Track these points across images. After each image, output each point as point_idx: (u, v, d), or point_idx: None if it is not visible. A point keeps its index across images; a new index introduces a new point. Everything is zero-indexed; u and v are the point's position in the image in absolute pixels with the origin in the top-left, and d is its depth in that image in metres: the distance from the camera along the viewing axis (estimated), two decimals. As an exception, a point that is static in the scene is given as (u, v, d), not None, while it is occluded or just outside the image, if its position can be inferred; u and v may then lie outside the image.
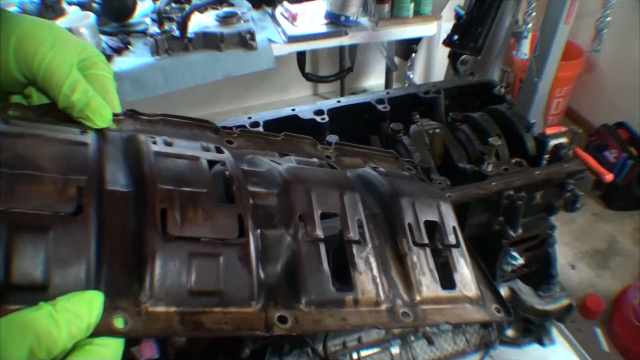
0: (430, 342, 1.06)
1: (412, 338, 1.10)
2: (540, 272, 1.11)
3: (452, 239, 0.76)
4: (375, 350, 1.07)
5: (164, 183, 0.56)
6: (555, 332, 1.18)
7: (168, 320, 0.51)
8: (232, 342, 0.95)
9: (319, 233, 0.64)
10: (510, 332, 1.16)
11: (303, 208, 0.64)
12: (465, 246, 0.78)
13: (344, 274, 0.66)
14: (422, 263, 0.71)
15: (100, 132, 0.63)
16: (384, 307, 0.66)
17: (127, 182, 0.57)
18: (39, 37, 0.61)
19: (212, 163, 0.64)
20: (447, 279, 0.73)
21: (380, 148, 0.92)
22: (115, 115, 0.66)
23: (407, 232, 0.72)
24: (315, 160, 0.79)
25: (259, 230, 0.61)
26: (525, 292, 1.12)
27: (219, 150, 0.68)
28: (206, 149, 0.66)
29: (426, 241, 0.72)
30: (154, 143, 0.62)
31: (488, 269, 1.05)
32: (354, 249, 0.66)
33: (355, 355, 1.05)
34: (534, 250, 1.06)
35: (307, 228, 0.63)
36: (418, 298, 0.69)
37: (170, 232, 0.53)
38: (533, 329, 1.15)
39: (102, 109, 0.63)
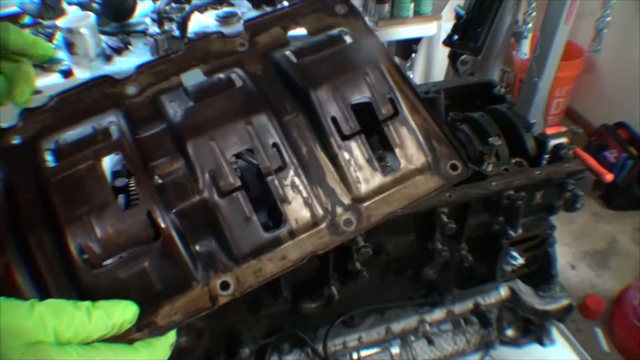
0: (430, 342, 1.07)
1: (412, 338, 1.10)
2: (540, 272, 1.11)
3: (386, 111, 0.67)
4: (375, 350, 1.07)
5: (69, 214, 0.56)
6: (555, 332, 1.18)
7: (126, 334, 0.54)
8: (232, 342, 0.95)
9: (233, 181, 0.61)
10: (510, 332, 1.16)
11: (209, 163, 0.61)
12: (406, 103, 0.68)
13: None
14: (356, 156, 0.65)
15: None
16: (323, 224, 0.63)
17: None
18: None
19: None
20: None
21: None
22: (8, 129, 0.67)
23: (332, 130, 0.65)
24: (218, 78, 0.69)
25: (173, 212, 0.59)
26: (525, 292, 1.12)
27: (113, 136, 0.63)
28: (100, 134, 0.62)
29: (356, 129, 0.66)
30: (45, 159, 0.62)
31: (488, 269, 1.06)
32: (275, 180, 0.62)
33: (355, 355, 1.05)
34: (534, 250, 1.06)
35: (220, 182, 0.61)
36: (359, 196, 0.65)
37: (95, 263, 0.56)
38: (533, 329, 1.15)
39: None
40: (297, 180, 0.63)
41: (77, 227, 0.56)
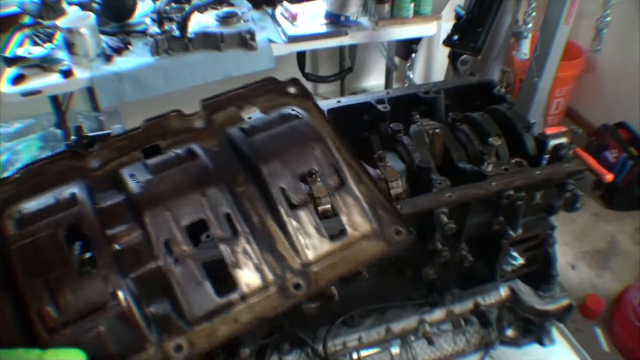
0: (430, 342, 1.07)
1: (412, 338, 1.10)
2: (540, 272, 1.11)
3: (332, 182, 0.73)
4: (375, 350, 1.07)
5: (30, 281, 0.59)
6: (555, 332, 1.18)
7: None
8: (232, 342, 0.95)
9: (186, 249, 0.64)
10: (510, 332, 1.16)
11: (164, 232, 0.64)
12: (352, 174, 0.73)
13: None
14: (304, 224, 0.70)
15: None
16: (273, 288, 0.66)
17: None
18: None
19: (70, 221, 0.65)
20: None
21: (255, 81, 0.84)
22: None
23: (281, 199, 0.70)
24: (173, 154, 0.74)
25: (130, 277, 0.62)
26: (525, 292, 1.12)
27: (73, 200, 0.67)
28: (61, 204, 0.67)
29: (303, 198, 0.71)
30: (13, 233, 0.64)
31: (488, 269, 1.06)
32: (228, 247, 0.66)
33: (355, 355, 1.05)
34: (534, 250, 1.06)
35: (174, 249, 0.64)
36: (308, 261, 0.68)
37: (52, 327, 0.58)
38: (533, 329, 1.15)
39: None
40: (248, 248, 0.67)
41: (36, 293, 0.58)
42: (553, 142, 1.00)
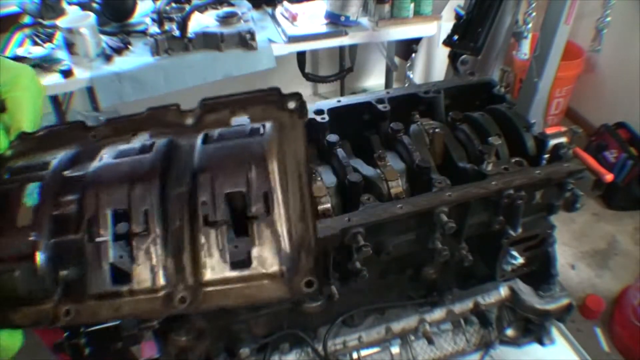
0: (430, 341, 1.07)
1: (412, 338, 1.10)
2: (540, 272, 1.11)
3: (256, 209, 0.70)
4: (375, 349, 1.07)
5: None
6: (555, 332, 1.18)
7: None
8: (232, 341, 0.95)
9: (102, 232, 0.70)
10: (510, 332, 1.16)
11: (91, 211, 0.71)
12: (287, 207, 0.72)
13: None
14: (211, 243, 0.70)
15: None
16: (161, 293, 0.69)
17: None
18: None
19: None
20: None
21: (261, 89, 0.85)
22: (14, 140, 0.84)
23: (199, 213, 0.71)
24: (136, 146, 0.79)
25: (53, 240, 0.71)
26: (525, 292, 1.12)
27: (47, 165, 0.79)
28: (39, 166, 0.79)
29: (219, 219, 0.70)
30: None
31: (488, 268, 1.06)
32: (134, 242, 0.70)
33: (355, 355, 1.05)
34: (533, 249, 1.06)
35: (94, 228, 0.70)
36: (202, 280, 0.69)
37: None
38: (533, 328, 1.16)
39: None
40: (152, 248, 0.70)
41: None
42: (553, 142, 1.00)
